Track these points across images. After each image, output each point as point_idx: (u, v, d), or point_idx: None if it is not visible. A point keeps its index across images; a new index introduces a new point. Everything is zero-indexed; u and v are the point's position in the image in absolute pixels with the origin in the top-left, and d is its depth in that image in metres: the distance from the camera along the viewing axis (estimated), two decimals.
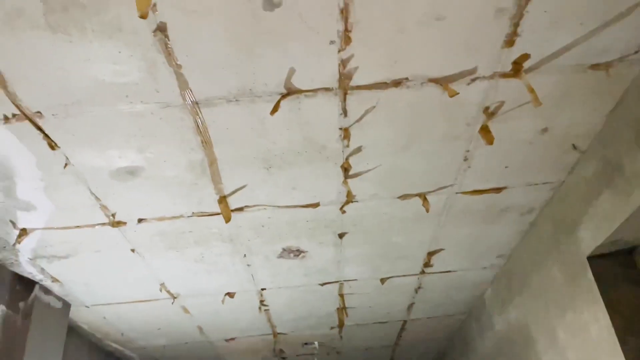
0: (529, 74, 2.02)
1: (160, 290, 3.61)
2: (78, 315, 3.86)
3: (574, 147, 2.47)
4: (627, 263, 2.49)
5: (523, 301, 3.45)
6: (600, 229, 2.39)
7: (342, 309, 4.41)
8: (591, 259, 2.51)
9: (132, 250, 3.06)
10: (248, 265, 3.41)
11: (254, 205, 2.76)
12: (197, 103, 2.02)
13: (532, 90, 2.05)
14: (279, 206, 2.79)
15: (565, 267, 2.77)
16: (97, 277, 3.32)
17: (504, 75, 2.02)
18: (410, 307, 4.53)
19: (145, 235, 2.91)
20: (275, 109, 2.06)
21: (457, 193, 2.82)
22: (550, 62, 2.00)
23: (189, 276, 3.47)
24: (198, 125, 2.14)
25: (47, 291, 3.33)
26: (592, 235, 2.46)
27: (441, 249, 3.47)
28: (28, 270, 3.11)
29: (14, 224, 2.65)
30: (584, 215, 2.51)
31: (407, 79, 2.00)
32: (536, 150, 2.49)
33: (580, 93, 2.18)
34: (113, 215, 2.69)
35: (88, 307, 3.75)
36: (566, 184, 2.69)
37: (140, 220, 2.77)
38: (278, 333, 4.84)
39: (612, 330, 2.37)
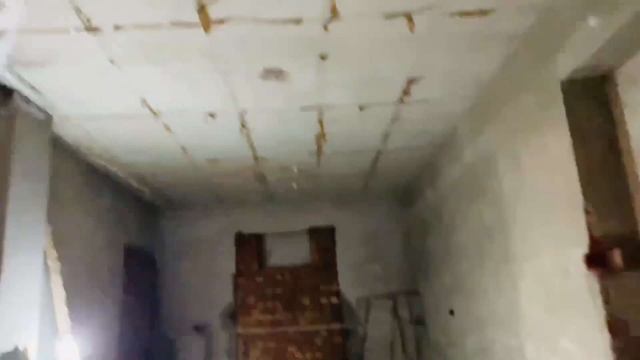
0: None
1: (142, 106, 3.65)
2: (62, 129, 3.92)
3: None
4: (598, 90, 2.57)
5: (493, 129, 3.61)
6: (579, 54, 2.42)
7: (321, 135, 4.56)
8: (564, 83, 2.58)
9: (111, 62, 3.01)
10: (229, 84, 3.42)
11: (235, 17, 2.67)
12: None
13: None
14: (260, 19, 2.71)
15: (539, 94, 2.86)
16: (77, 88, 3.31)
17: None
18: (386, 137, 4.71)
19: (124, 45, 2.84)
20: None
21: (443, 14, 2.76)
22: None
23: (170, 93, 3.49)
24: None
25: (27, 101, 3.33)
26: (570, 61, 2.50)
27: (422, 77, 3.50)
28: (5, 76, 3.07)
29: None
30: (566, 40, 2.52)
31: None
32: None
33: None
34: (88, 20, 2.59)
35: (70, 119, 3.79)
36: (553, 7, 2.64)
37: (117, 28, 2.68)
38: (259, 156, 5.06)
39: (572, 151, 2.54)
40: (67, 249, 4.20)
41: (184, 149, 4.63)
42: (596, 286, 2.35)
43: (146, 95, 3.49)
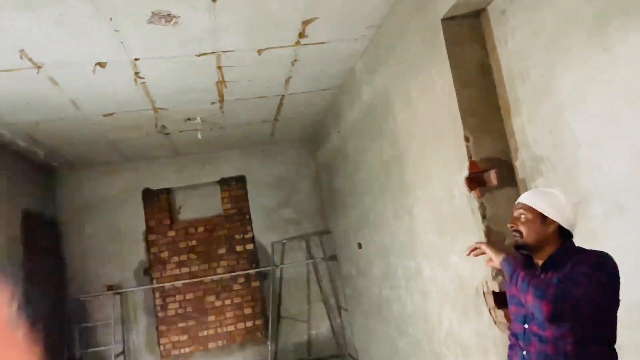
0: None
1: (21, 58, 3.37)
2: None
3: None
4: (474, 25, 2.77)
5: (387, 69, 3.77)
6: None
7: (221, 82, 4.49)
8: (444, 20, 2.74)
9: None
10: (116, 30, 3.25)
11: None
12: None
13: None
14: None
15: (424, 31, 3.02)
16: None
17: None
18: (287, 81, 4.74)
19: None
20: None
21: None
22: None
23: (50, 42, 3.25)
24: None
25: None
26: None
27: (316, 18, 3.54)
28: None
29: None
30: None
31: None
32: None
33: None
34: None
35: None
36: None
37: None
38: (158, 108, 4.89)
39: (452, 84, 2.74)
40: None
41: (74, 103, 4.36)
42: (476, 204, 2.63)
43: (24, 45, 3.23)
